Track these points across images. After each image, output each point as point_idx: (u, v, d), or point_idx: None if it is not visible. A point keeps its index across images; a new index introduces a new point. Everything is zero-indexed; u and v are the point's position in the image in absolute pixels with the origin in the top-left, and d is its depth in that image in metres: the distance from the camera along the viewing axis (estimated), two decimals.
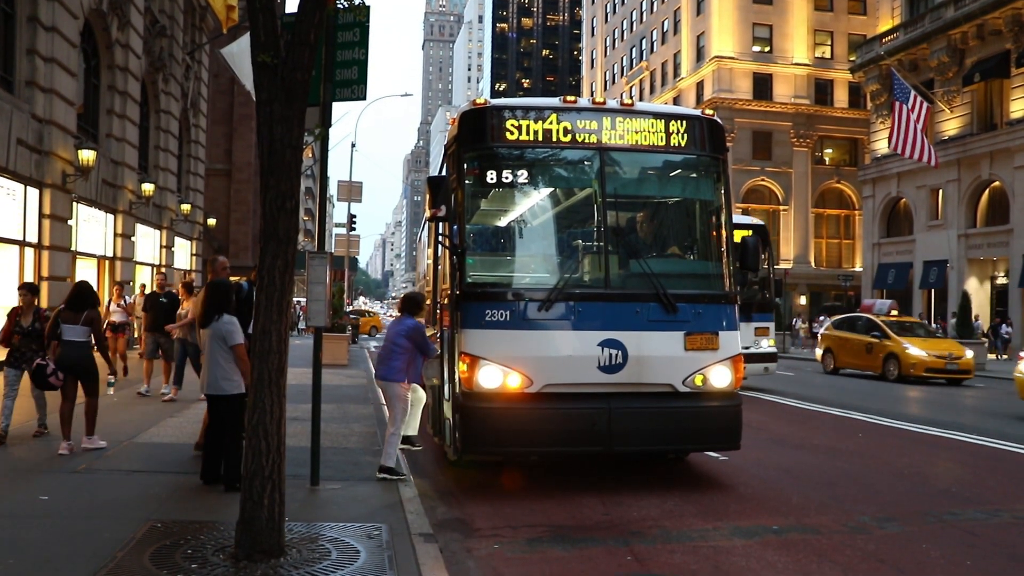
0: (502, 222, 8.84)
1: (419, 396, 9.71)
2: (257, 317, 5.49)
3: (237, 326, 7.51)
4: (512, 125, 8.05)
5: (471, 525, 6.84)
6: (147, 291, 16.54)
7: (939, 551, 6.32)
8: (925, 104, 34.18)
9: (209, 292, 7.68)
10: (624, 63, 71.76)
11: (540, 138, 8.08)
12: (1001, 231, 35.47)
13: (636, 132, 8.24)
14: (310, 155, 65.40)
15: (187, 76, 31.27)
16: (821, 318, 40.96)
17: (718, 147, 8.63)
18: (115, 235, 24.01)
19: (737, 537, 6.60)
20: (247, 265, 29.43)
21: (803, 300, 54.05)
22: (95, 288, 21.29)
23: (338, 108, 41.60)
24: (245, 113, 43.19)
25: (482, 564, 5.87)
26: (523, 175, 8.18)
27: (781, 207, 54.58)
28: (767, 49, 55.56)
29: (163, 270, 25.26)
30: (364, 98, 7.95)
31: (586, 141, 8.14)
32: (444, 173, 8.68)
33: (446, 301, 8.45)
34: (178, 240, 30.92)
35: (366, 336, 45.88)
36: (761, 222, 19.33)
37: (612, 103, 8.41)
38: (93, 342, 9.02)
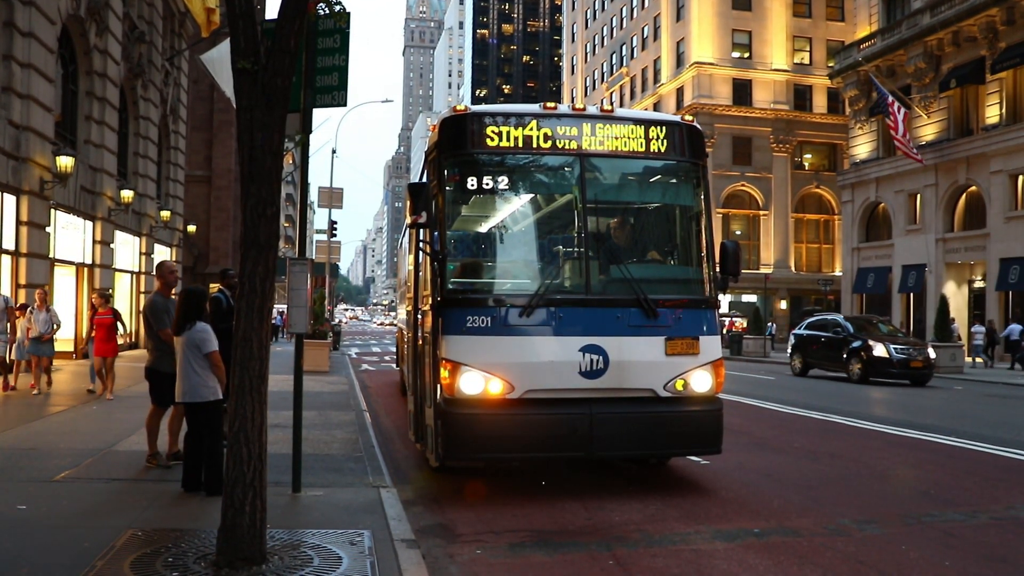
0: (483, 228, 8.84)
1: None
2: (238, 324, 5.47)
3: (211, 333, 7.57)
4: (492, 131, 8.06)
5: (453, 531, 6.84)
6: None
7: (918, 552, 6.38)
8: (903, 109, 34.60)
9: (183, 299, 7.69)
10: (604, 69, 72.03)
11: (520, 144, 8.09)
12: (978, 235, 35.81)
13: (616, 138, 8.26)
14: (290, 161, 65.19)
15: (166, 82, 31.10)
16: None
17: (698, 153, 8.68)
18: (94, 242, 23.85)
19: (719, 540, 6.63)
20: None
21: (784, 304, 54.36)
22: (75, 297, 21.01)
23: (319, 114, 41.49)
24: (225, 119, 43.04)
25: (464, 570, 5.87)
26: (503, 181, 8.19)
27: (761, 212, 54.92)
28: (746, 55, 55.94)
29: None
30: (345, 104, 7.93)
31: (566, 147, 8.16)
32: (425, 179, 8.67)
33: (427, 307, 8.44)
34: (158, 247, 30.74)
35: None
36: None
37: (592, 109, 8.45)
38: None
